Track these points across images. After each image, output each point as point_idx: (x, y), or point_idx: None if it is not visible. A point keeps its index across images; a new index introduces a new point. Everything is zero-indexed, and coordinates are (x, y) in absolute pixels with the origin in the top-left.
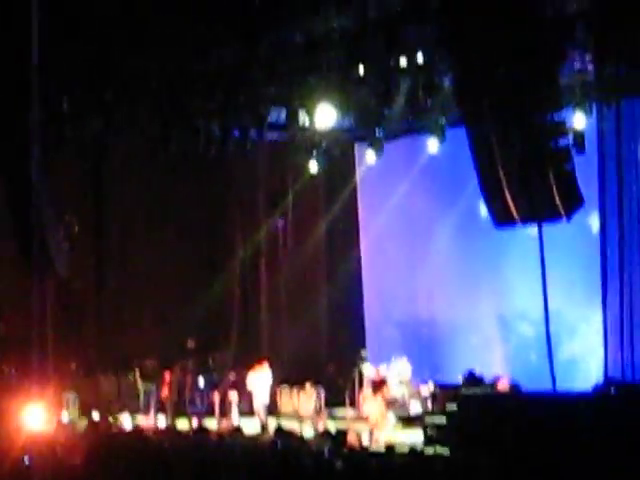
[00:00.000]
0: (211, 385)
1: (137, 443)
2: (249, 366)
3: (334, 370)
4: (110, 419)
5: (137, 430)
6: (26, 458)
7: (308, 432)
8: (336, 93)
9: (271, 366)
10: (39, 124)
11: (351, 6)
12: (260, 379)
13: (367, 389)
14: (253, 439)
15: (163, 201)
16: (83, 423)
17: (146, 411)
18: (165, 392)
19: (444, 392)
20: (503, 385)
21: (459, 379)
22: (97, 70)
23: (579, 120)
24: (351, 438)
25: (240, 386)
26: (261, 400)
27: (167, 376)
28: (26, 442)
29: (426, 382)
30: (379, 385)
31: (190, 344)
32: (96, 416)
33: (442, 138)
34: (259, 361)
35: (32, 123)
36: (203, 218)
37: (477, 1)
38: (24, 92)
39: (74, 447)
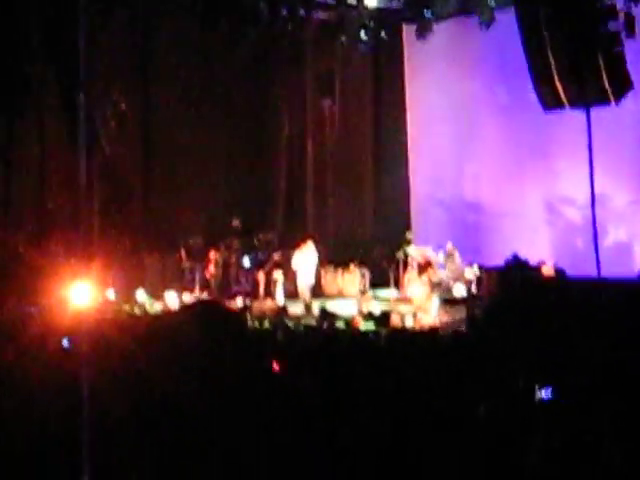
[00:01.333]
0: (256, 264)
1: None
2: (294, 246)
3: (379, 252)
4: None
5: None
6: (66, 339)
7: (352, 313)
8: None
9: (316, 246)
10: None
11: None
12: (305, 259)
13: (412, 271)
14: (297, 319)
15: (210, 81)
16: (128, 302)
17: (191, 289)
18: (210, 270)
19: (489, 275)
20: (548, 270)
21: (504, 263)
22: None
23: (630, 3)
24: (394, 319)
25: (285, 266)
26: (306, 280)
27: (212, 255)
28: (72, 319)
29: (471, 265)
30: (424, 267)
31: (235, 223)
32: (141, 295)
33: (491, 20)
34: (304, 240)
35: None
36: (250, 98)
37: None
38: None
39: (120, 325)
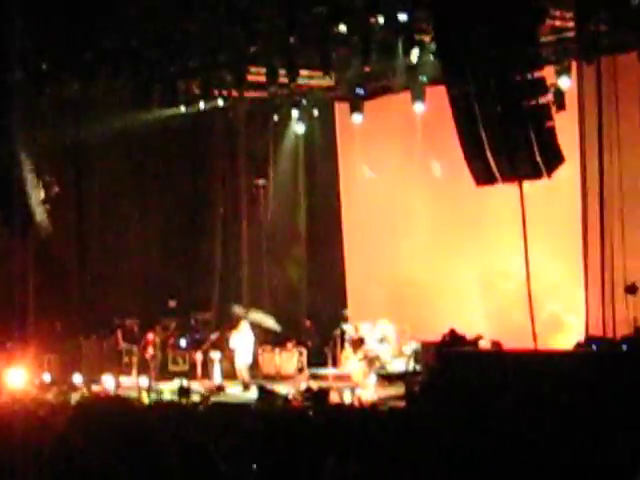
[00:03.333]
0: (193, 345)
1: (120, 408)
2: (230, 326)
3: (311, 326)
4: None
5: (120, 396)
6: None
7: (290, 392)
8: (316, 51)
9: (251, 326)
10: (18, 84)
11: None
12: (242, 339)
13: (348, 348)
14: (236, 398)
15: (144, 160)
16: (65, 385)
17: (128, 372)
18: (147, 352)
19: (426, 350)
20: (485, 343)
21: (441, 337)
22: (76, 31)
23: (560, 78)
24: (333, 397)
25: (222, 346)
26: (243, 360)
27: (149, 336)
28: (7, 403)
29: (408, 341)
30: (358, 344)
31: (172, 304)
32: (78, 378)
33: (422, 97)
34: (239, 320)
35: (11, 82)
36: (184, 177)
37: None
38: (3, 52)
39: (56, 409)
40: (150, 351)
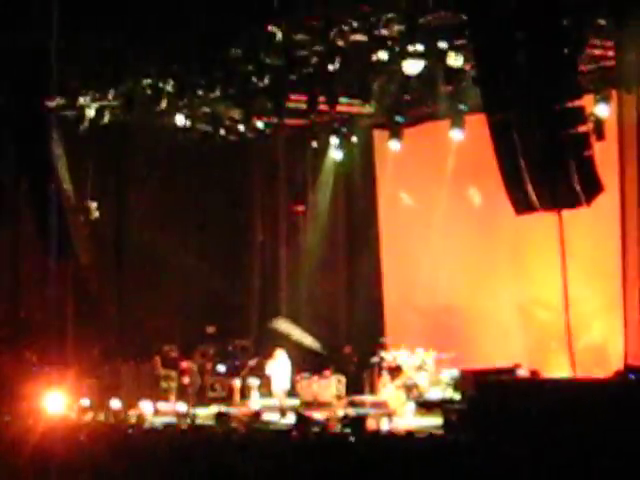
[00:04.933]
0: (231, 370)
1: (159, 438)
2: (269, 352)
3: (350, 352)
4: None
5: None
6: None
7: (328, 418)
8: (355, 79)
9: (288, 353)
10: (57, 110)
11: None
12: (279, 365)
13: (386, 375)
14: (273, 425)
15: (184, 187)
16: (103, 410)
17: (166, 397)
18: (185, 379)
19: (465, 379)
20: (523, 372)
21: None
22: (117, 59)
23: (599, 107)
24: (370, 424)
25: (260, 372)
26: (281, 385)
27: (187, 362)
28: (46, 427)
29: (446, 369)
30: (396, 371)
31: (210, 330)
32: (116, 403)
33: (462, 125)
34: (274, 348)
35: (51, 108)
36: (223, 204)
37: None
38: (43, 77)
39: (94, 434)
40: (186, 380)
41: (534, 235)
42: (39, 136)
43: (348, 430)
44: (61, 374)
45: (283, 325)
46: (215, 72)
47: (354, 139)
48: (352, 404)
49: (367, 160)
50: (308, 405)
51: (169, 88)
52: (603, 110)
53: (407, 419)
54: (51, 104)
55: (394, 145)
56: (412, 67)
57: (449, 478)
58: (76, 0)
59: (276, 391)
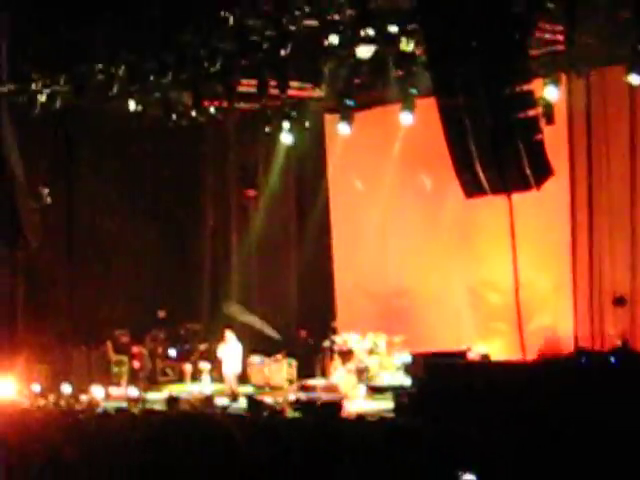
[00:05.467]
0: (182, 355)
1: (110, 423)
2: (220, 336)
3: (306, 336)
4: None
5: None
6: None
7: (280, 401)
8: (307, 63)
9: (238, 336)
10: (7, 96)
11: None
12: (230, 349)
13: (337, 359)
14: (224, 409)
15: (133, 173)
16: (54, 395)
17: (118, 382)
18: (136, 363)
19: (415, 362)
20: (473, 355)
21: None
22: (67, 42)
23: (549, 91)
24: (345, 409)
25: (211, 356)
26: (232, 369)
27: (138, 347)
28: None
29: (397, 353)
30: (347, 355)
31: (161, 314)
32: (67, 388)
33: (412, 108)
34: (223, 330)
35: (1, 93)
36: (174, 188)
37: None
38: None
39: (46, 419)
40: (137, 364)
41: (484, 218)
42: None
43: (299, 414)
44: (11, 360)
45: (234, 309)
46: (167, 57)
47: (306, 124)
48: (303, 388)
49: (318, 144)
50: (259, 389)
51: (120, 73)
52: (553, 94)
53: (358, 403)
54: (2, 89)
55: (344, 129)
56: (364, 51)
57: (399, 461)
58: None
59: (227, 375)
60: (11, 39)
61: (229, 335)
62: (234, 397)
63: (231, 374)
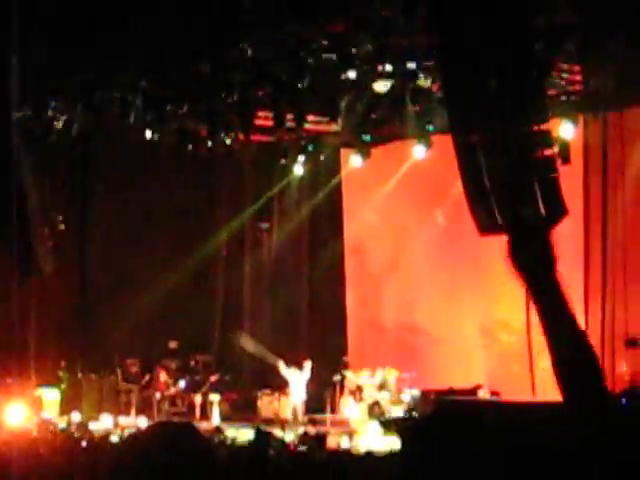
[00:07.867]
0: (192, 386)
1: (120, 450)
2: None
3: (315, 376)
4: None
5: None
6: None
7: (288, 436)
8: (324, 97)
9: (250, 368)
10: (23, 121)
11: (341, 11)
12: (304, 378)
13: (347, 394)
14: (233, 440)
15: (148, 202)
16: (64, 422)
17: (127, 411)
18: (146, 393)
19: (425, 398)
20: (484, 393)
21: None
22: (84, 71)
23: (565, 130)
24: (330, 442)
25: (221, 388)
26: (300, 397)
27: (149, 377)
28: (6, 439)
29: (408, 388)
30: (357, 390)
31: (172, 345)
32: (77, 416)
33: (428, 144)
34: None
35: (15, 120)
36: (188, 219)
37: (466, 11)
38: (7, 89)
39: (55, 447)
40: (147, 393)
41: (498, 256)
42: (4, 149)
43: (307, 448)
44: (22, 386)
45: (245, 341)
46: (184, 87)
47: (321, 157)
48: (312, 422)
49: (333, 178)
50: (268, 422)
51: (138, 102)
52: (569, 132)
53: (369, 438)
54: (17, 115)
55: (354, 160)
56: (381, 86)
57: None
58: (46, 12)
59: (295, 403)
60: (27, 64)
61: (307, 364)
62: (297, 424)
63: (299, 402)
